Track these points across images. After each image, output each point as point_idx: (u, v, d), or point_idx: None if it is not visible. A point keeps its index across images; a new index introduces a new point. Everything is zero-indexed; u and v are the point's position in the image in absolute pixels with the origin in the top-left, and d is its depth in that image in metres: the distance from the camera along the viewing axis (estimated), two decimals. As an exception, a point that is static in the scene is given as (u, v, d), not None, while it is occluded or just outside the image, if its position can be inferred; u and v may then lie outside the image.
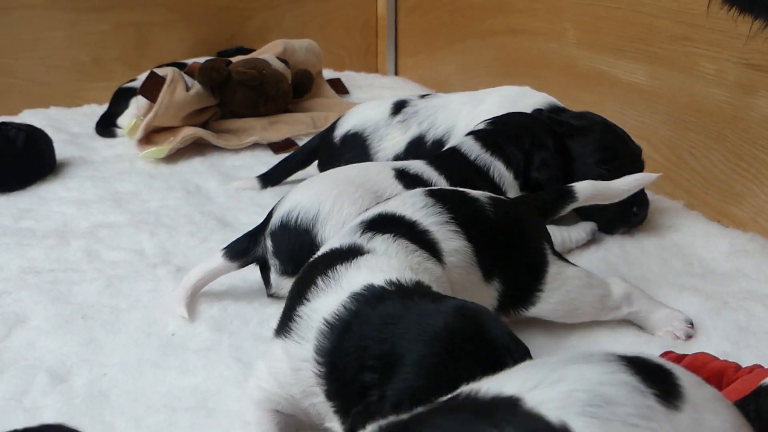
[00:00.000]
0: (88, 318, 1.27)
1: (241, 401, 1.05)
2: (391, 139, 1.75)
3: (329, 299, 0.90)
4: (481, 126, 1.53)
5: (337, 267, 0.95)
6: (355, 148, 1.77)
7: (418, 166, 1.43)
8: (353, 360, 0.83)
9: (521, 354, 0.80)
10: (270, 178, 1.85)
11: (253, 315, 1.28)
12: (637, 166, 1.52)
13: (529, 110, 1.60)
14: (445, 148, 1.56)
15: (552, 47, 2.08)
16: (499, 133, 1.50)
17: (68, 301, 1.33)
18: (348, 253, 0.99)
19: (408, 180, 1.37)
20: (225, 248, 1.31)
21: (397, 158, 1.69)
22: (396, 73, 3.04)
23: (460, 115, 1.70)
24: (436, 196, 1.15)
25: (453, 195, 1.18)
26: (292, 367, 0.90)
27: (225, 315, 1.28)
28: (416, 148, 1.70)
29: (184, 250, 1.53)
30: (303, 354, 0.89)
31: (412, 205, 1.11)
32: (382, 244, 1.01)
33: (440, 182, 1.40)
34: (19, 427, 0.99)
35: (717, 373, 0.96)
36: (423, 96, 1.83)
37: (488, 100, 1.71)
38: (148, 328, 1.24)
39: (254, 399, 0.98)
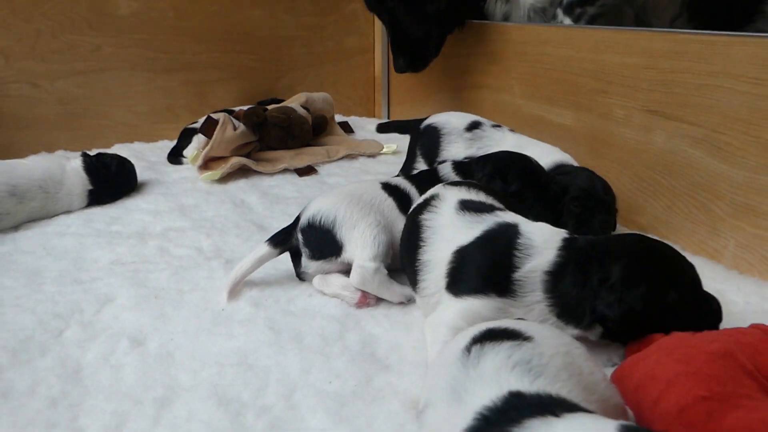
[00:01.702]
0: (159, 298, 1.26)
1: (272, 358, 1.03)
2: (456, 147, 1.65)
3: (539, 260, 0.97)
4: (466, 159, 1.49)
5: (519, 241, 0.99)
6: (430, 138, 1.71)
7: (398, 181, 1.40)
8: (579, 281, 0.94)
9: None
10: (385, 127, 2.08)
11: (282, 295, 1.26)
12: (603, 210, 1.37)
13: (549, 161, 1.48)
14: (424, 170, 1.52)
15: (503, 98, 2.07)
16: (472, 162, 1.44)
17: (145, 285, 1.31)
18: (514, 228, 1.02)
19: (391, 190, 1.35)
20: (268, 239, 1.30)
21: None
22: (389, 118, 3.03)
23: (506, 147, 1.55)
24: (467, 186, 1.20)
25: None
26: (525, 310, 0.96)
27: (261, 295, 1.26)
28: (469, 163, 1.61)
29: (232, 247, 1.51)
30: (534, 298, 0.96)
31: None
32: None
33: (413, 193, 1.36)
34: (107, 383, 0.97)
35: None
36: (494, 125, 1.69)
37: (531, 147, 1.55)
38: (204, 305, 1.23)
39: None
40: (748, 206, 1.29)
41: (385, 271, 1.22)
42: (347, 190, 1.34)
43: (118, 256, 1.46)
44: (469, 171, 1.41)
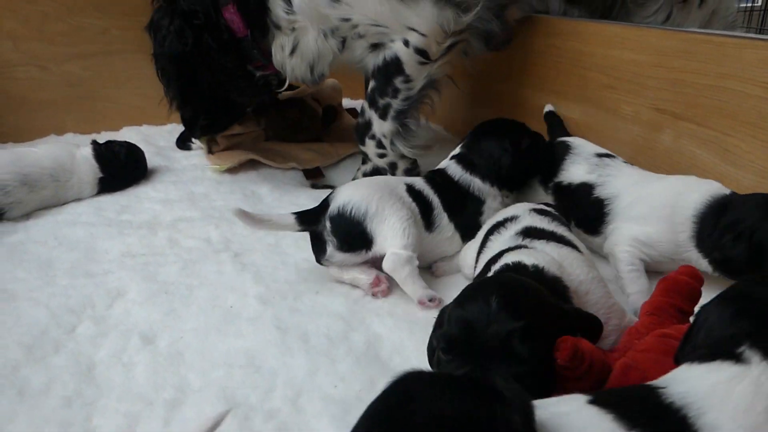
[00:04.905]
0: (169, 293, 1.27)
1: (279, 359, 1.05)
2: (577, 170, 1.43)
3: None
4: (458, 150, 1.46)
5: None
6: (562, 154, 1.50)
7: (421, 186, 1.38)
8: None
9: None
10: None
11: (289, 292, 1.27)
12: None
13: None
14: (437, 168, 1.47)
15: (509, 89, 2.04)
16: (473, 152, 1.43)
17: (155, 280, 1.32)
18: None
19: (414, 193, 1.34)
20: (296, 213, 1.29)
21: (567, 186, 1.43)
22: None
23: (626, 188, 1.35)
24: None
25: None
26: None
27: (269, 292, 1.27)
28: (587, 189, 1.40)
29: (240, 239, 1.52)
30: None
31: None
32: None
33: (433, 198, 1.36)
34: (120, 382, 0.99)
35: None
36: (624, 162, 1.45)
37: (656, 182, 1.33)
38: (213, 301, 1.24)
39: None
40: (752, 210, 1.28)
41: (416, 263, 1.22)
42: (377, 182, 1.33)
43: (129, 247, 1.47)
44: (471, 162, 1.42)
